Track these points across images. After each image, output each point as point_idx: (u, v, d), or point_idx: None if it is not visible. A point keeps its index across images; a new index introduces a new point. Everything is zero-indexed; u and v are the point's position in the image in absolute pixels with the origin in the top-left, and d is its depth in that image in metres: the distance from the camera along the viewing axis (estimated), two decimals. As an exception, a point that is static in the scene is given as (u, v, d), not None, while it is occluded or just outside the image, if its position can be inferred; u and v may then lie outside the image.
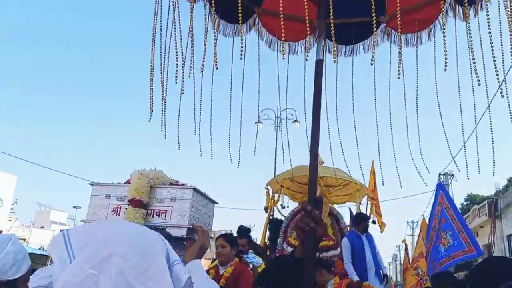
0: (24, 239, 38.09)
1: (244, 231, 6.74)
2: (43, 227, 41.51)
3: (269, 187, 9.61)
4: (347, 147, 3.18)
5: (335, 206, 9.74)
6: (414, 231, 37.77)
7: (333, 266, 7.87)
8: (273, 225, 9.24)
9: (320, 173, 8.78)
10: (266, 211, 9.52)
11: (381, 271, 7.77)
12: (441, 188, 7.38)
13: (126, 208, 2.12)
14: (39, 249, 30.25)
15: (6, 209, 26.92)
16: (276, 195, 9.59)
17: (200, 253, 2.09)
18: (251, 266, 6.24)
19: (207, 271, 5.38)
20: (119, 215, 2.12)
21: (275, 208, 9.81)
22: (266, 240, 9.45)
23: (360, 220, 8.11)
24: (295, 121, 19.34)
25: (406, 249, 11.20)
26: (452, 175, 25.49)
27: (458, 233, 6.36)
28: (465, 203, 38.78)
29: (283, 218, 9.45)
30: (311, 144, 1.75)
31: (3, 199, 24.34)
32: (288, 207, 9.76)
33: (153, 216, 2.09)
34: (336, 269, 7.89)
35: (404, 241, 11.31)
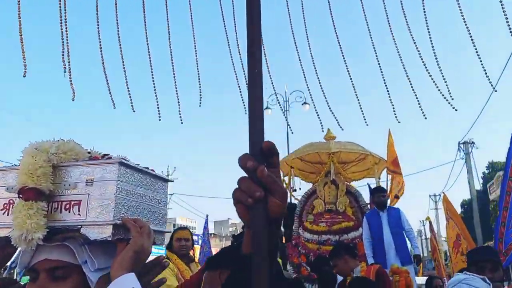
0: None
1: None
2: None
3: (278, 169, 8.84)
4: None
5: (353, 183, 8.97)
6: (437, 204, 36.73)
7: (355, 249, 7.14)
8: (286, 210, 8.51)
9: (333, 149, 8.02)
10: (279, 196, 8.75)
11: (409, 251, 6.88)
12: None
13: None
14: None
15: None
16: (287, 178, 8.83)
17: (136, 261, 1.33)
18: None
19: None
20: (10, 214, 1.38)
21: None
22: (280, 227, 8.73)
23: (373, 195, 7.30)
24: (304, 103, 18.62)
25: (431, 226, 10.33)
26: (473, 143, 24.43)
27: None
28: (487, 172, 37.63)
29: (296, 202, 8.74)
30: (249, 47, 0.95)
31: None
32: (300, 189, 9.02)
33: (60, 212, 1.34)
34: (359, 251, 7.15)
35: (428, 218, 10.44)
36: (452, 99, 2.14)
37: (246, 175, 0.89)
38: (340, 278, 4.92)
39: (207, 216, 10.17)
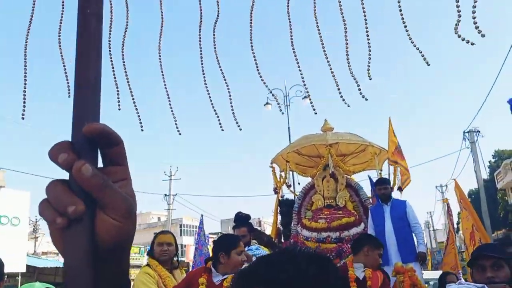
0: (57, 253, 38.34)
1: (242, 218, 5.58)
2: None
3: (274, 165, 8.41)
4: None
5: (354, 176, 8.51)
6: (444, 195, 36.21)
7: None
8: (284, 207, 8.08)
9: (329, 140, 7.57)
10: (276, 193, 8.32)
11: (415, 248, 6.36)
12: None
13: None
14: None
15: (24, 228, 24.97)
16: (284, 173, 8.38)
17: None
18: (254, 259, 5.08)
19: (191, 276, 4.22)
20: None
21: (285, 187, 8.62)
22: (278, 225, 8.29)
23: (375, 187, 6.90)
24: (305, 97, 18.31)
25: (449, 210, 9.25)
26: (478, 131, 23.91)
27: None
28: (493, 160, 37.19)
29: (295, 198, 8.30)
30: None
31: (19, 217, 22.43)
32: (299, 184, 8.58)
33: None
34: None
35: (445, 200, 9.43)
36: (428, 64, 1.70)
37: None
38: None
39: (201, 216, 9.76)
